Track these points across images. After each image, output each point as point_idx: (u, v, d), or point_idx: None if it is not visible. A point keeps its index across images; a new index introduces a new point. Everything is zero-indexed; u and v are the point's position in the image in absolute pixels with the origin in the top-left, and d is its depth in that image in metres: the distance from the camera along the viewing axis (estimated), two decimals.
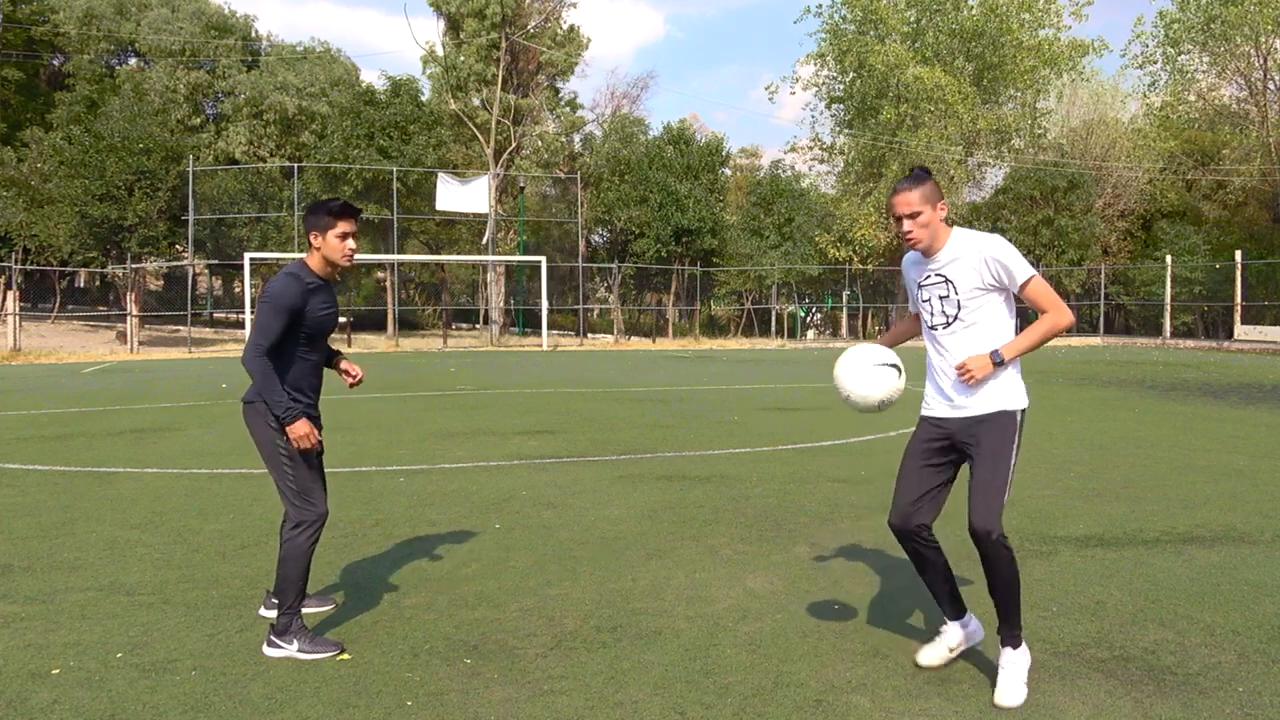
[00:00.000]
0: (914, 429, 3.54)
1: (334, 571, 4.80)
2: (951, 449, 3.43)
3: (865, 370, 3.48)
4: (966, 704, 3.22)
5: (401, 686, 3.38)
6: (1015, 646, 3.33)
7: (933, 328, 3.45)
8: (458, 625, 4.01)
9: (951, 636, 3.57)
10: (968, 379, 3.31)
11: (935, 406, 3.47)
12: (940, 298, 3.40)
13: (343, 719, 3.13)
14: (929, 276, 3.42)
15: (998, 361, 3.29)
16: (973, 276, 3.33)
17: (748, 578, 4.68)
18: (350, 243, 3.78)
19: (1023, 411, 3.36)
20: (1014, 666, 3.30)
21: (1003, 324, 3.39)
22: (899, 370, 3.50)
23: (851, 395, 3.50)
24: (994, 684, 3.31)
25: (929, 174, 3.40)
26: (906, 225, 3.34)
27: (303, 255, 3.89)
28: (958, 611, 3.57)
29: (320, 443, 3.77)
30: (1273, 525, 5.72)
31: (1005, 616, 3.33)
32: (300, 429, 3.64)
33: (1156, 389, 15.20)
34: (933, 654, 3.57)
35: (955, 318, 3.38)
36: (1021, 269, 3.29)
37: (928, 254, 3.41)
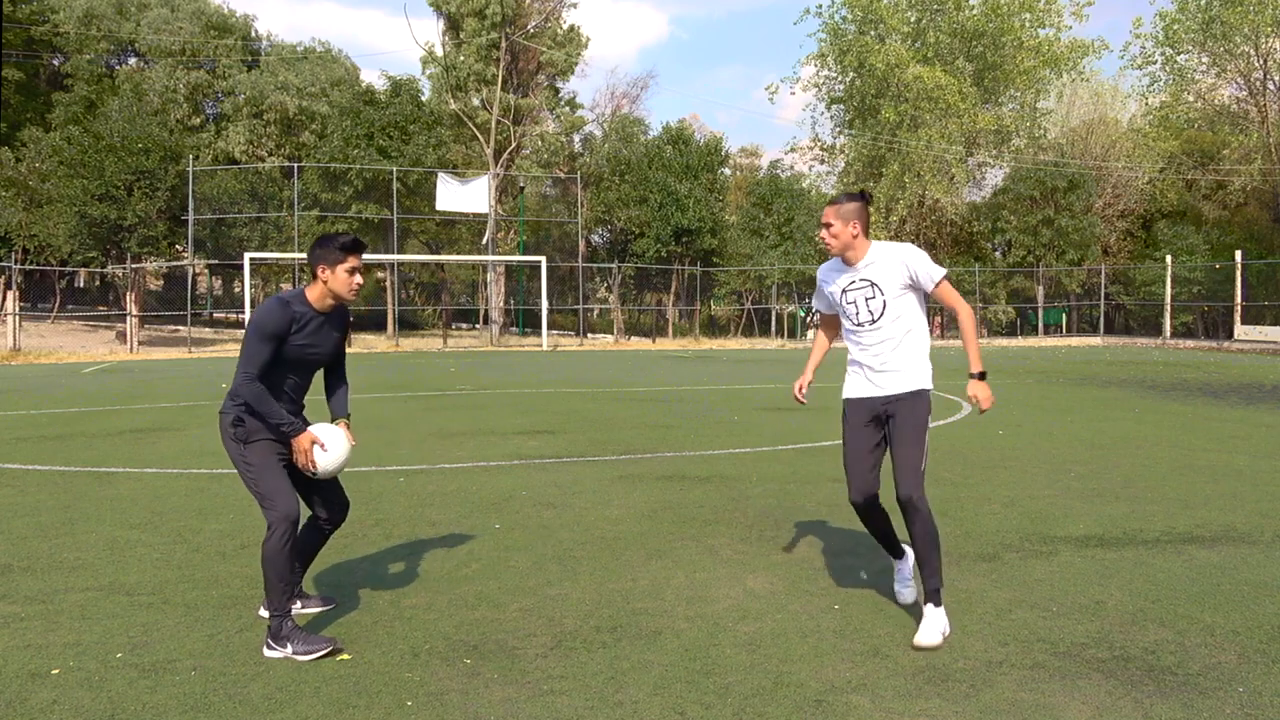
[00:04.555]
0: (843, 415, 4.06)
1: (334, 571, 4.81)
2: (876, 420, 3.96)
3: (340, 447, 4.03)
4: (966, 704, 3.21)
5: (401, 686, 3.38)
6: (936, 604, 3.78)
7: (858, 325, 3.94)
8: (458, 625, 4.01)
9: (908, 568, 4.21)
10: (988, 405, 3.89)
11: (859, 389, 3.99)
12: (866, 299, 3.90)
13: (343, 719, 3.13)
14: (854, 282, 3.92)
15: (982, 377, 3.89)
16: (896, 278, 3.84)
17: (748, 578, 4.68)
18: (357, 278, 3.82)
19: (930, 391, 3.91)
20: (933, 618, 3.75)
21: (918, 318, 3.93)
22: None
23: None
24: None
25: (859, 197, 3.90)
26: (822, 231, 3.94)
27: (303, 285, 3.91)
28: (900, 551, 4.20)
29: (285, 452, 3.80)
30: (1273, 525, 5.71)
31: (929, 569, 3.78)
32: (303, 443, 3.75)
33: (1156, 389, 15.20)
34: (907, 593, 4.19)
35: (881, 314, 3.87)
36: (935, 271, 3.84)
37: (848, 262, 3.91)
